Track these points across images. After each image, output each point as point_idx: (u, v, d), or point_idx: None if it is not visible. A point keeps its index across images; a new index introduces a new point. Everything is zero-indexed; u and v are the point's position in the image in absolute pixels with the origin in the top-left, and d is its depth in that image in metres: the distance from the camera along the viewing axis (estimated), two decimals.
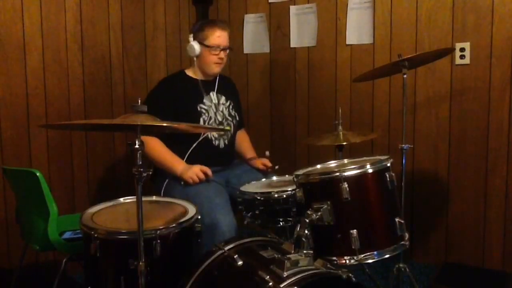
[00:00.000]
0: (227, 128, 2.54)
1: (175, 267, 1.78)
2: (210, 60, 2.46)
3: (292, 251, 1.64)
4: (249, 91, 3.47)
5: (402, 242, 1.74)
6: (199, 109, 2.47)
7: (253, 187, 2.23)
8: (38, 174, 2.01)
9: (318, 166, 1.98)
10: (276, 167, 2.50)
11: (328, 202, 1.68)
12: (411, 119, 2.86)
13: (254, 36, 3.42)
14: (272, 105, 3.41)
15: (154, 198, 2.14)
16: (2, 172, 2.37)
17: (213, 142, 2.49)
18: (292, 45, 3.26)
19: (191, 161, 2.37)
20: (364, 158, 1.97)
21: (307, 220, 1.65)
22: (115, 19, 3.05)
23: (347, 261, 1.67)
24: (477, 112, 2.69)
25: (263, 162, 2.55)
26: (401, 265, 2.34)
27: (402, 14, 2.84)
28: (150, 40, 3.27)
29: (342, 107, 2.42)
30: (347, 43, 3.05)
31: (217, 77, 2.58)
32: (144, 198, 1.62)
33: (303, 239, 1.62)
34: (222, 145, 2.51)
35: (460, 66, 2.71)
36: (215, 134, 2.48)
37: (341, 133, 2.27)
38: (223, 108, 2.55)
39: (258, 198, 2.02)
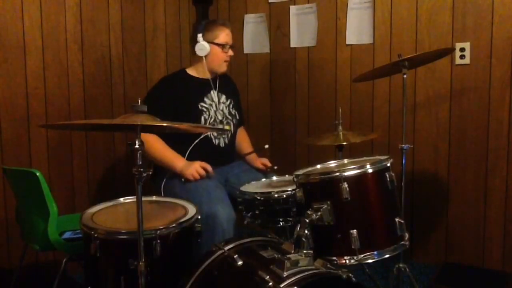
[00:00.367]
0: (227, 127, 2.55)
1: (175, 267, 1.78)
2: (221, 58, 2.50)
3: (292, 251, 1.64)
4: (249, 91, 3.47)
5: (402, 242, 1.73)
6: (200, 107, 2.47)
7: (253, 187, 2.23)
8: (38, 174, 2.01)
9: (318, 166, 1.98)
10: (275, 167, 2.50)
11: (328, 202, 1.68)
12: (411, 119, 2.86)
13: (254, 36, 3.42)
14: (272, 105, 3.41)
15: (154, 198, 2.14)
16: (2, 172, 2.37)
17: (213, 141, 2.49)
18: (292, 45, 3.26)
19: (191, 159, 2.37)
20: (364, 158, 1.97)
21: (307, 220, 1.65)
22: (115, 19, 3.05)
23: (347, 261, 1.66)
24: (477, 112, 2.69)
25: (262, 162, 2.56)
26: (401, 265, 2.34)
27: (402, 14, 2.84)
28: (150, 40, 3.27)
29: (342, 107, 2.42)
30: (347, 43, 3.05)
31: (218, 76, 2.59)
32: (144, 198, 1.62)
33: (303, 239, 1.62)
34: (222, 144, 2.52)
35: (460, 66, 2.71)
36: (215, 133, 2.49)
37: (341, 133, 2.28)
38: (223, 107, 2.56)
39: (258, 198, 2.02)
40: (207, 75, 2.53)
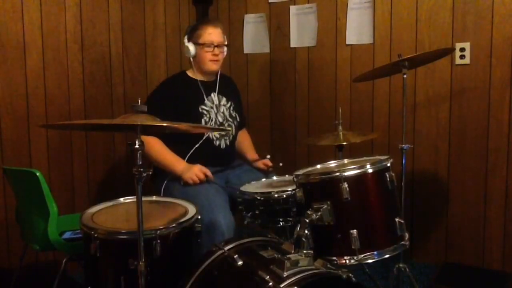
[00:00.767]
0: (228, 128, 2.54)
1: (175, 267, 1.78)
2: (205, 58, 2.47)
3: (292, 251, 1.64)
4: (249, 91, 3.47)
5: (402, 242, 1.73)
6: (200, 110, 2.47)
7: (253, 187, 2.23)
8: (38, 174, 2.01)
9: (318, 166, 1.98)
10: (280, 164, 2.49)
11: (328, 202, 1.68)
12: (411, 119, 2.86)
13: (254, 36, 3.42)
14: (272, 105, 3.41)
15: (154, 198, 2.14)
16: (2, 172, 2.37)
17: (214, 143, 2.49)
18: (292, 45, 3.26)
19: (192, 161, 2.37)
20: (364, 158, 1.97)
21: (307, 220, 1.65)
22: (115, 19, 3.05)
23: (347, 261, 1.66)
24: (477, 112, 2.69)
25: (264, 162, 2.56)
26: (401, 265, 2.34)
27: (402, 14, 2.84)
28: (150, 40, 3.27)
29: (342, 107, 2.42)
30: (347, 43, 3.05)
31: (218, 78, 2.59)
32: (144, 198, 1.62)
33: (303, 239, 1.62)
34: (223, 145, 2.51)
35: (460, 66, 2.71)
36: (216, 134, 2.48)
37: (341, 133, 2.28)
38: (224, 109, 2.55)
39: (258, 198, 2.02)
40: (202, 77, 2.53)
